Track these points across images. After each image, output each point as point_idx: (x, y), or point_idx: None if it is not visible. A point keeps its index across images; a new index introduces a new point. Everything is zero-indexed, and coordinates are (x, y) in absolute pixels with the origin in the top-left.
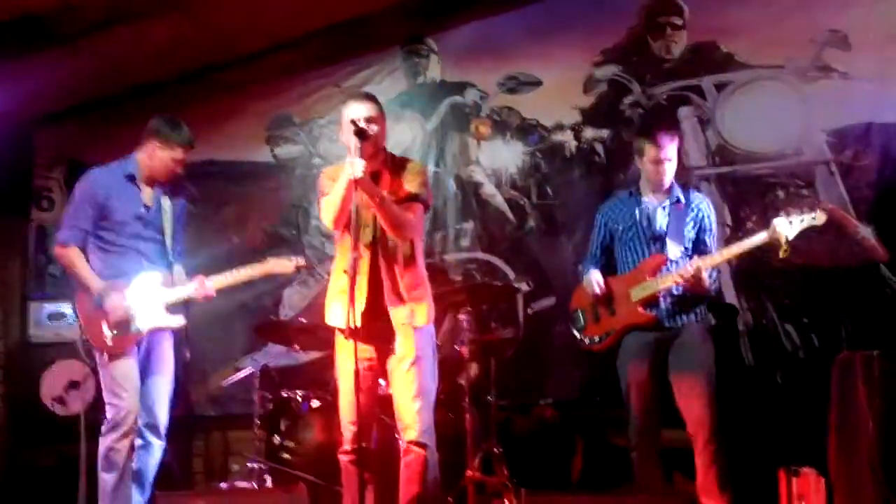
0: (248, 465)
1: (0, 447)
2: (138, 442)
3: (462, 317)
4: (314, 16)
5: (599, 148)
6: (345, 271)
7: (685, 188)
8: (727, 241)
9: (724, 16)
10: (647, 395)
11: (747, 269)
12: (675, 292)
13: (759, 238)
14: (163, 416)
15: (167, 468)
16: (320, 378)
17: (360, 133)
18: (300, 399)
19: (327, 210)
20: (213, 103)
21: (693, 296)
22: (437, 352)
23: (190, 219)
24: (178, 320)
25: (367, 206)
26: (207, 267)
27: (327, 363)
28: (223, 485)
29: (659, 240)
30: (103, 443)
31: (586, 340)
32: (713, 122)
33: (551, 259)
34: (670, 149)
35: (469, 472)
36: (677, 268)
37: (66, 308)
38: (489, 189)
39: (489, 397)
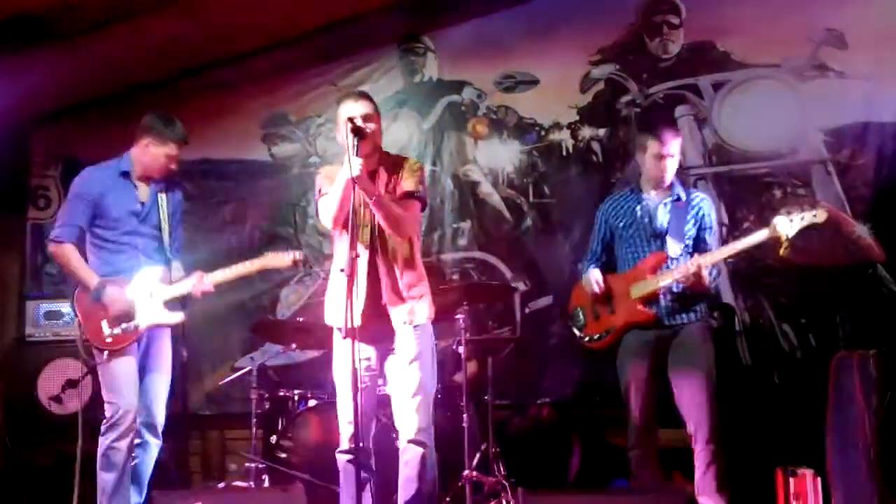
0: (246, 464)
1: None
2: (136, 441)
3: (459, 316)
4: (311, 14)
5: (596, 147)
6: (341, 270)
7: (685, 186)
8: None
9: (721, 15)
10: (647, 393)
11: (744, 269)
12: (675, 290)
13: (760, 235)
14: (160, 416)
15: (164, 467)
16: (318, 377)
17: (358, 131)
18: (297, 398)
19: (326, 209)
20: (210, 101)
21: (693, 294)
22: (436, 351)
23: (186, 217)
24: (178, 316)
25: (365, 206)
26: (204, 266)
27: (325, 362)
28: (220, 484)
29: (659, 237)
30: (102, 442)
31: (586, 338)
32: (710, 121)
33: (548, 258)
34: (673, 145)
35: (466, 472)
36: (677, 265)
37: (63, 307)
38: (486, 188)
39: (486, 397)
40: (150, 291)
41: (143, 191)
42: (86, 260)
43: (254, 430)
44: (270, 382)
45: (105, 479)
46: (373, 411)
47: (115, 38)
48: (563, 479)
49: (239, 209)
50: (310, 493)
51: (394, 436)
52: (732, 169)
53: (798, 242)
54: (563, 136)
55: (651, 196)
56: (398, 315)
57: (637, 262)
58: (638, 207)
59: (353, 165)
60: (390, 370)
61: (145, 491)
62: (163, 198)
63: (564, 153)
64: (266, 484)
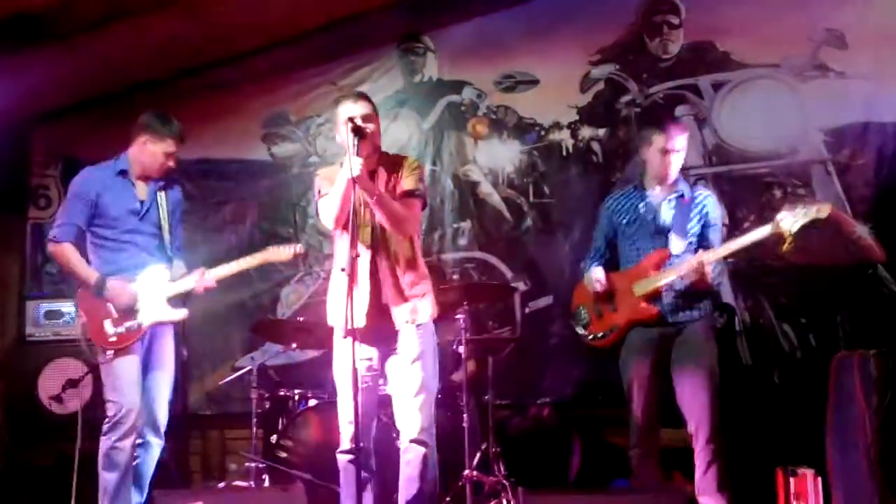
0: (246, 464)
1: None
2: (137, 441)
3: (459, 316)
4: (311, 13)
5: (596, 146)
6: (342, 270)
7: (688, 183)
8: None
9: (721, 15)
10: (649, 391)
11: (745, 269)
12: (678, 287)
13: (764, 231)
14: (163, 415)
15: (164, 467)
16: (318, 377)
17: (358, 131)
18: (297, 398)
19: (327, 210)
20: (209, 101)
21: (696, 291)
22: (437, 350)
23: (187, 217)
24: (181, 313)
25: (366, 205)
26: (205, 265)
27: (325, 362)
28: (221, 484)
29: (663, 234)
30: (105, 442)
31: (590, 337)
32: (710, 121)
33: (548, 258)
34: (679, 140)
35: (467, 472)
36: (680, 262)
37: (63, 306)
38: (486, 188)
39: (486, 396)
40: (153, 288)
41: (142, 189)
42: (87, 261)
43: (254, 429)
44: (271, 382)
45: (107, 478)
46: (374, 411)
47: (115, 37)
48: (564, 479)
49: (239, 209)
50: (310, 492)
51: (394, 435)
52: (732, 169)
53: (798, 242)
54: (563, 136)
55: (655, 193)
56: (400, 314)
57: (640, 259)
58: (641, 204)
59: (354, 165)
60: (392, 370)
61: (146, 491)
62: (162, 196)
63: (564, 153)
64: (266, 484)
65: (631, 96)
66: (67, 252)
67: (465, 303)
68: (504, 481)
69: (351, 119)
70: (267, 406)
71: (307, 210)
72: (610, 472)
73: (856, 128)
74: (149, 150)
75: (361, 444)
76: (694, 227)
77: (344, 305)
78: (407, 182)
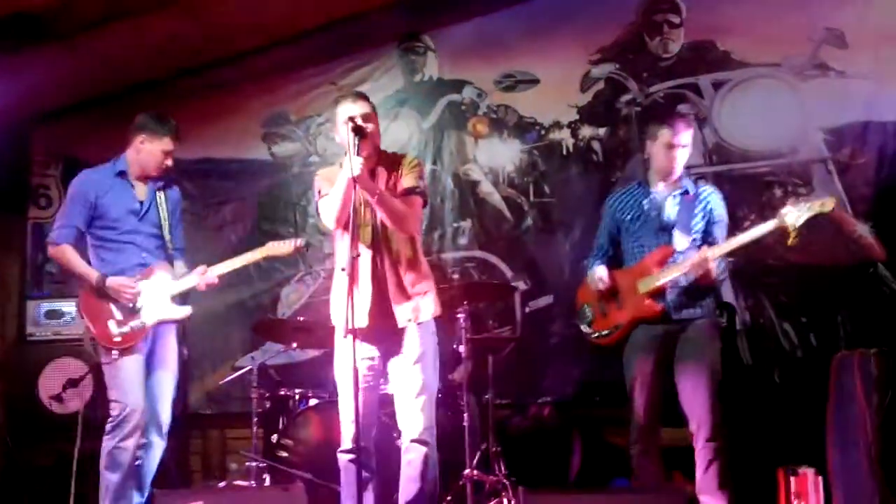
0: (247, 463)
1: None
2: (141, 441)
3: (460, 315)
4: (311, 13)
5: (596, 146)
6: (343, 269)
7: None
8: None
9: (721, 14)
10: (651, 389)
11: (745, 268)
12: (682, 284)
13: (768, 226)
14: (166, 415)
15: (165, 467)
16: (318, 376)
17: (359, 131)
18: (298, 397)
19: (327, 210)
20: (209, 101)
21: (700, 288)
22: (438, 350)
23: (187, 216)
24: (185, 310)
25: (366, 205)
26: (205, 264)
27: (325, 361)
28: (221, 483)
29: (667, 231)
30: (108, 442)
31: (594, 335)
32: (710, 120)
33: (549, 257)
34: (685, 135)
35: (467, 471)
36: (684, 259)
37: (63, 306)
38: (486, 187)
39: (487, 396)
40: (156, 287)
41: (141, 190)
42: (88, 262)
43: (254, 429)
44: (271, 381)
45: (109, 478)
46: (375, 411)
47: (115, 37)
48: (564, 479)
49: (239, 209)
50: (311, 492)
51: (395, 435)
52: (733, 168)
53: (801, 239)
54: (564, 136)
55: (659, 189)
56: (403, 313)
57: (644, 256)
58: (645, 201)
59: (354, 165)
60: (394, 370)
61: (147, 492)
62: (161, 196)
63: (565, 152)
64: (267, 483)
65: (631, 95)
66: (67, 254)
67: (465, 302)
68: (504, 481)
69: (351, 119)
70: (267, 405)
71: (307, 210)
72: (610, 472)
73: (856, 127)
74: (147, 149)
75: (362, 444)
76: (698, 223)
77: (345, 305)
78: (407, 180)
